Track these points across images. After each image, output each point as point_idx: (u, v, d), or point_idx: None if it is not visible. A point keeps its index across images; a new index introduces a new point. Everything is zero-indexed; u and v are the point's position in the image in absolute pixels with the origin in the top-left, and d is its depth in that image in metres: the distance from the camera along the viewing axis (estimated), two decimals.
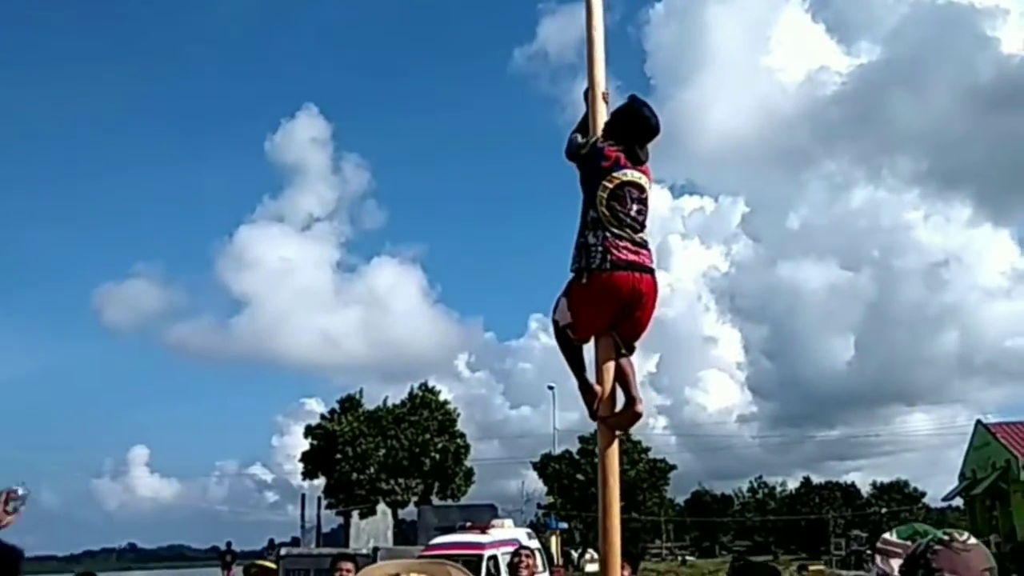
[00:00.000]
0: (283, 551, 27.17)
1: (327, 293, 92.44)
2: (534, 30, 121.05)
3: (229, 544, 39.15)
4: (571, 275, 4.38)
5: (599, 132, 4.53)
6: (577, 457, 61.49)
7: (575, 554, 52.76)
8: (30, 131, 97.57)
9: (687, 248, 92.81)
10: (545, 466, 61.66)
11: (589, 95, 4.70)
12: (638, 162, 4.45)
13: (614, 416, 4.39)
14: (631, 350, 4.49)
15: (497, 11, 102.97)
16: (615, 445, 4.34)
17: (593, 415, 4.40)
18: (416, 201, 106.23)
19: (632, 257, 4.27)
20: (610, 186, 4.32)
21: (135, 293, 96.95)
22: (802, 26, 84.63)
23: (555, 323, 4.51)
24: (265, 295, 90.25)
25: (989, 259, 78.00)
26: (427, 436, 52.60)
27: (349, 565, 7.38)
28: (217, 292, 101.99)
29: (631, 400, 4.40)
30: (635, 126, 4.48)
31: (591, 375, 4.42)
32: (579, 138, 4.56)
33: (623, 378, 4.42)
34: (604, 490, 4.21)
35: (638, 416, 4.44)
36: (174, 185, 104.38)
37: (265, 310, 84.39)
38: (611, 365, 4.37)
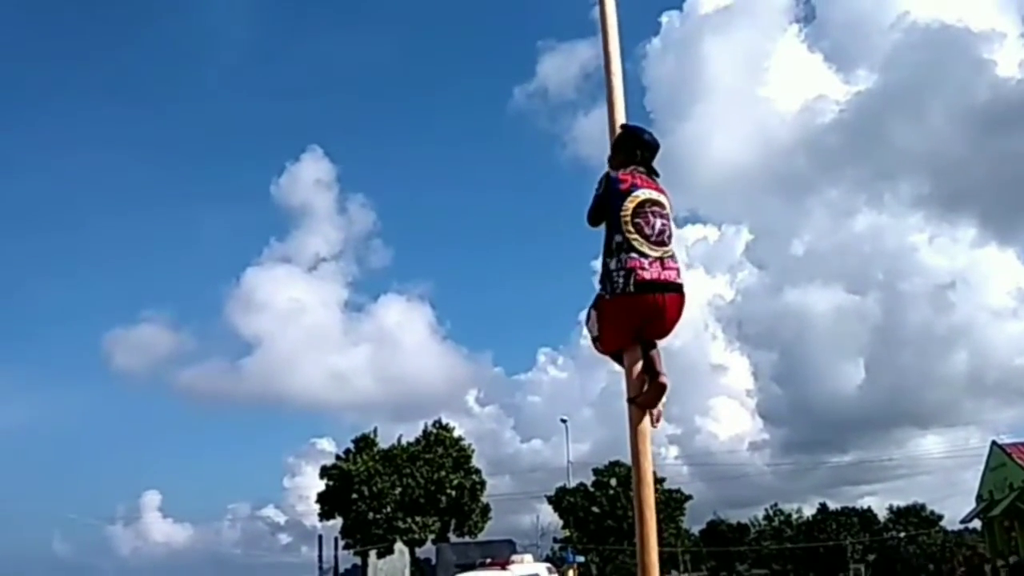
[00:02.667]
0: None
1: (336, 333, 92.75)
2: (534, 68, 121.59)
3: None
4: (596, 295, 4.57)
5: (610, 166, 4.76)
6: (592, 490, 61.30)
7: None
8: (32, 173, 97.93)
9: (691, 277, 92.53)
10: (560, 500, 61.44)
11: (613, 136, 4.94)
12: (650, 171, 4.70)
13: (642, 395, 4.53)
14: (655, 345, 4.65)
15: (497, 50, 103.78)
16: (650, 470, 4.48)
17: (632, 399, 4.51)
18: (421, 239, 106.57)
19: (656, 275, 4.44)
20: (632, 206, 4.50)
21: (144, 339, 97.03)
22: (799, 56, 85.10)
23: (590, 332, 4.73)
24: (274, 336, 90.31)
25: (996, 279, 77.86)
26: (442, 473, 52.56)
27: None
28: (226, 335, 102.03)
29: (655, 375, 4.54)
30: (632, 145, 4.74)
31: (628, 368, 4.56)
32: (597, 188, 4.72)
33: (648, 359, 4.59)
34: (640, 523, 4.33)
35: (663, 388, 4.54)
36: (181, 230, 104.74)
37: (274, 351, 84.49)
38: (639, 367, 4.53)
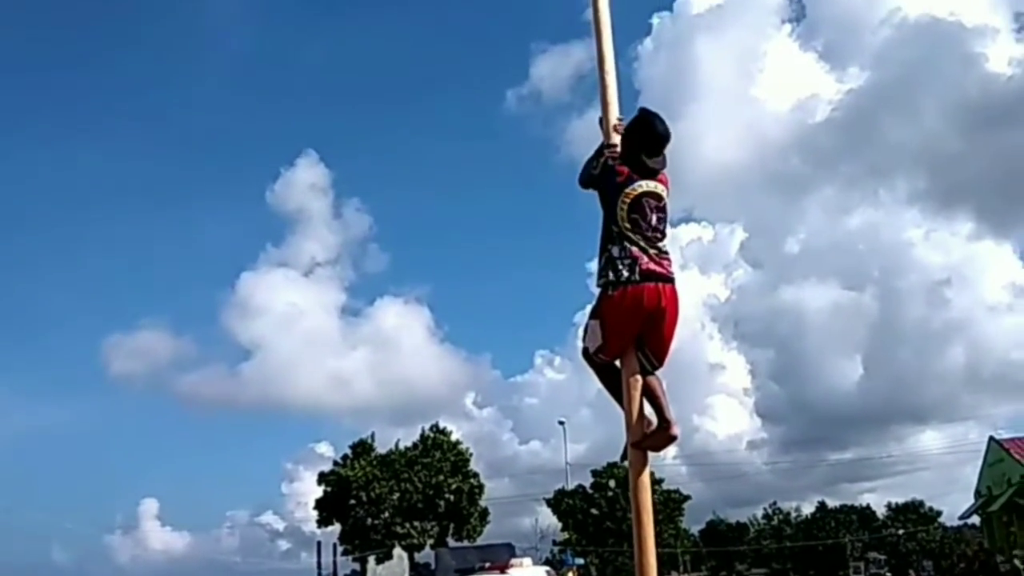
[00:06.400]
0: None
1: (333, 337, 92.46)
2: (527, 70, 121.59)
3: None
4: (599, 291, 4.49)
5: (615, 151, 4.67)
6: (590, 491, 61.25)
7: None
8: (27, 178, 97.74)
9: (686, 277, 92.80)
10: (559, 502, 61.37)
11: (603, 124, 4.86)
12: (650, 174, 4.59)
13: (647, 438, 4.44)
14: (659, 364, 4.57)
15: (491, 52, 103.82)
16: (647, 476, 4.40)
17: (636, 443, 4.40)
18: (418, 243, 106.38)
19: (655, 267, 4.44)
20: (628, 200, 4.48)
21: (142, 345, 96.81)
22: (791, 55, 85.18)
23: (585, 351, 4.63)
24: (271, 341, 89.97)
25: (992, 273, 77.96)
26: (440, 477, 52.48)
27: None
28: (223, 340, 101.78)
29: (665, 422, 4.45)
30: (646, 134, 4.60)
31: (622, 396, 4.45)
32: (593, 164, 4.71)
33: (654, 398, 4.49)
34: (638, 528, 4.27)
35: (673, 438, 4.47)
36: (177, 236, 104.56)
37: (272, 356, 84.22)
38: (638, 379, 4.44)
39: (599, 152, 4.77)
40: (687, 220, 70.06)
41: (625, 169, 4.55)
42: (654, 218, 4.51)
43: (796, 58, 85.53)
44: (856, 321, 76.05)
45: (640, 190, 4.51)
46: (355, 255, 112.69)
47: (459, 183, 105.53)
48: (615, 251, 4.46)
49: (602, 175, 4.62)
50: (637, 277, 4.39)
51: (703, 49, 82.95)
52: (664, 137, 4.62)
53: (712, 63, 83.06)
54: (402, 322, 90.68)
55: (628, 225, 4.46)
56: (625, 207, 4.48)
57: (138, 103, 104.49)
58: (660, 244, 4.52)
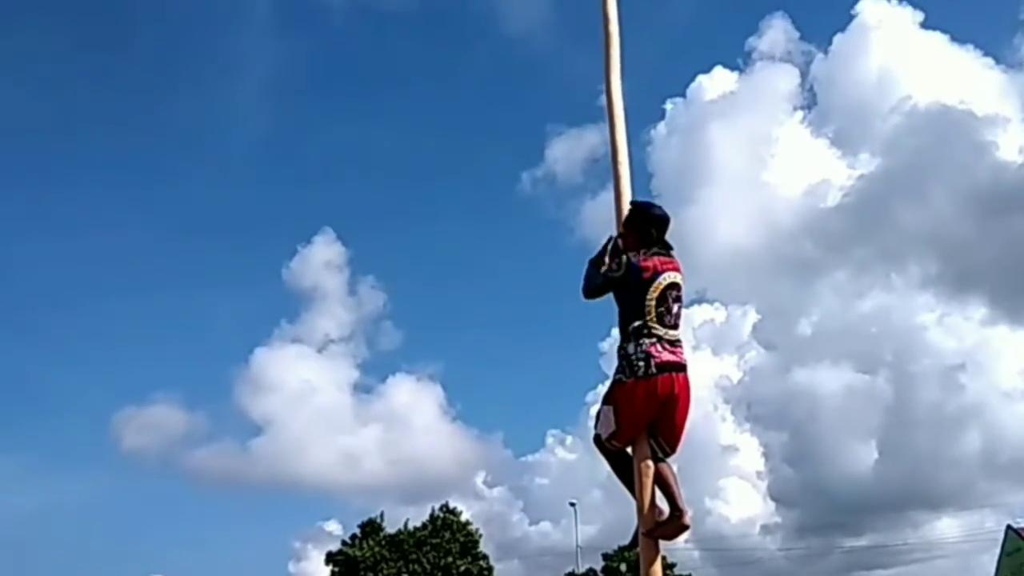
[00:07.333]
0: None
1: (346, 414, 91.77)
2: (542, 152, 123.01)
3: None
4: (613, 382, 4.58)
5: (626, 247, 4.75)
6: (601, 575, 60.24)
7: None
8: (40, 253, 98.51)
9: (699, 358, 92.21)
10: None
11: (613, 242, 4.90)
12: (666, 248, 4.76)
13: (659, 528, 4.45)
14: (671, 451, 4.62)
15: (507, 134, 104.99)
16: (659, 565, 4.40)
17: (648, 532, 4.42)
18: (431, 321, 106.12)
19: (669, 357, 4.53)
20: (655, 294, 4.59)
21: (154, 420, 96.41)
22: (802, 141, 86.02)
23: (597, 438, 4.66)
24: (283, 418, 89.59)
25: (1006, 359, 77.25)
26: (450, 559, 51.73)
27: None
28: (235, 416, 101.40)
29: (677, 511, 4.47)
30: (645, 222, 4.76)
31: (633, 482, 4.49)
32: (605, 266, 4.74)
33: (665, 486, 4.52)
34: None
35: (685, 528, 4.48)
36: (192, 313, 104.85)
37: (283, 433, 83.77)
38: (650, 466, 4.47)
39: (613, 252, 4.81)
40: (700, 301, 69.70)
41: (649, 264, 4.64)
42: (675, 308, 4.64)
43: (807, 144, 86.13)
44: (870, 405, 75.14)
45: (666, 283, 4.63)
46: (369, 332, 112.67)
47: (474, 262, 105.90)
48: (630, 348, 4.54)
49: (626, 275, 4.66)
50: (654, 370, 4.46)
51: (716, 135, 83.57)
52: (664, 219, 4.80)
53: (724, 148, 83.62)
54: (414, 400, 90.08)
55: (654, 318, 4.54)
56: (653, 302, 4.57)
57: (155, 177, 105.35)
58: (675, 333, 4.62)
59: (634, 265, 4.66)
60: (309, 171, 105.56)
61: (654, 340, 4.51)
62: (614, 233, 4.96)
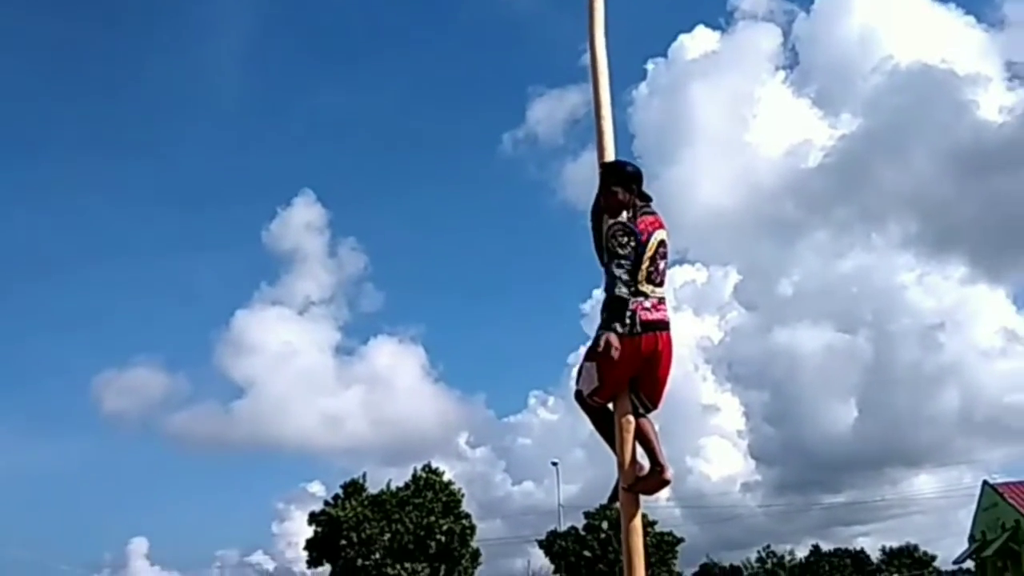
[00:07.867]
0: None
1: (327, 375, 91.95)
2: (523, 114, 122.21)
3: None
4: (595, 333, 4.45)
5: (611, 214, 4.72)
6: (583, 533, 60.82)
7: None
8: (22, 220, 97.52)
9: (680, 318, 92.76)
10: (551, 544, 60.89)
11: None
12: (646, 200, 4.74)
13: (639, 482, 4.47)
14: (653, 407, 4.62)
15: (488, 96, 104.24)
16: (639, 520, 4.42)
17: (629, 487, 4.41)
18: (413, 283, 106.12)
19: (653, 315, 4.51)
20: (650, 252, 4.57)
21: (135, 383, 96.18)
22: (784, 101, 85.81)
23: (579, 394, 4.66)
24: (265, 380, 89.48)
25: (985, 318, 78.00)
26: (432, 518, 52.09)
27: None
28: (217, 378, 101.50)
29: (658, 466, 4.49)
30: (622, 179, 4.72)
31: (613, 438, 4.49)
32: (617, 232, 4.58)
33: (646, 442, 4.53)
34: (630, 572, 4.28)
35: (666, 483, 4.51)
36: (172, 276, 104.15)
37: (265, 395, 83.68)
38: (631, 421, 4.47)
39: (616, 228, 4.62)
40: (681, 262, 70.04)
41: (645, 226, 4.61)
42: (662, 265, 4.63)
43: (789, 104, 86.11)
44: (850, 364, 75.96)
45: (657, 239, 4.61)
46: (350, 294, 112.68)
47: (455, 224, 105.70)
48: (623, 291, 4.48)
49: (636, 247, 4.54)
50: (639, 329, 4.44)
51: (697, 95, 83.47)
52: (639, 172, 4.77)
53: (706, 109, 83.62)
54: (396, 361, 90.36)
55: (644, 276, 4.52)
56: (647, 258, 4.55)
57: (134, 142, 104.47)
58: (662, 289, 4.60)
59: (635, 231, 4.58)
60: (288, 134, 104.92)
61: (641, 299, 4.48)
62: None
